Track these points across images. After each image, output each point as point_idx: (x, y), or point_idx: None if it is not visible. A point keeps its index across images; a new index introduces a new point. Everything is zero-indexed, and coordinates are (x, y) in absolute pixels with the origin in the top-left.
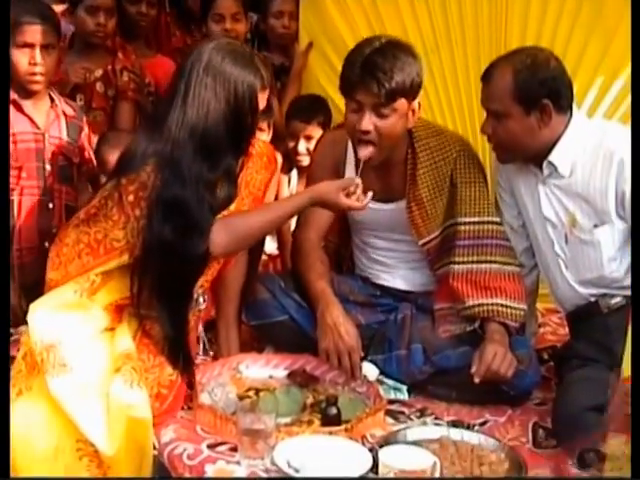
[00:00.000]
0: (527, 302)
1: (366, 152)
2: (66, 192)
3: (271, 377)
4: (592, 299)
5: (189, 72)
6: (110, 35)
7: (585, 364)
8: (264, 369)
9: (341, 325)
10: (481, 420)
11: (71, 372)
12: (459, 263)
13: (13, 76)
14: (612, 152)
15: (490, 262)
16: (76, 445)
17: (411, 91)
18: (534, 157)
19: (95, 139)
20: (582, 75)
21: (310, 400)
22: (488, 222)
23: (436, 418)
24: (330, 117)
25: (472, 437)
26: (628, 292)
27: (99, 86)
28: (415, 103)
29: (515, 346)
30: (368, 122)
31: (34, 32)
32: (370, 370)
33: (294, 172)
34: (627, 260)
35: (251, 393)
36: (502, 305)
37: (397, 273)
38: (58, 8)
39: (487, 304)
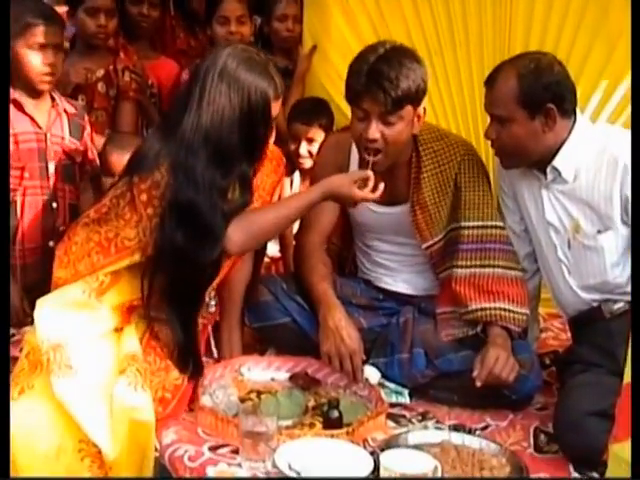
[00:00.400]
0: (529, 307)
1: (373, 159)
2: (69, 191)
3: (273, 380)
4: (595, 304)
5: (204, 76)
6: (111, 36)
7: (587, 369)
8: (266, 372)
9: (343, 328)
10: (482, 424)
11: (76, 374)
12: (462, 267)
13: (22, 76)
14: (616, 157)
15: (493, 266)
16: (78, 445)
17: (417, 97)
18: (538, 162)
19: (97, 139)
20: (586, 79)
21: (312, 403)
22: (491, 226)
23: (437, 422)
24: (332, 120)
25: (473, 441)
26: None
27: (101, 86)
28: (420, 108)
29: (517, 350)
30: (375, 130)
31: (47, 33)
32: (372, 373)
33: (296, 174)
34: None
35: (253, 395)
36: (505, 309)
37: (400, 277)
38: (59, 10)
39: (490, 308)
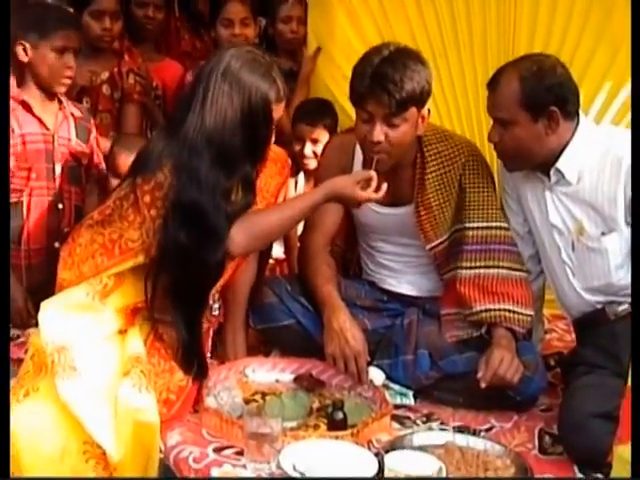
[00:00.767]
0: (534, 308)
1: (377, 157)
2: (75, 193)
3: (277, 381)
4: (599, 306)
5: (208, 77)
6: (116, 39)
7: (592, 371)
8: (270, 373)
9: (348, 330)
10: (487, 426)
11: (80, 376)
12: (466, 268)
13: (41, 77)
14: (620, 159)
15: (497, 267)
16: (83, 447)
17: (421, 99)
18: (541, 164)
19: (102, 141)
20: (590, 80)
21: (316, 404)
22: (496, 227)
23: (442, 423)
24: (336, 121)
25: (478, 443)
26: None
27: (105, 89)
28: (425, 110)
29: (521, 352)
30: (379, 133)
31: (70, 37)
32: (376, 375)
33: (301, 175)
34: None
35: (257, 397)
36: (509, 311)
37: (404, 278)
38: None
39: (494, 309)
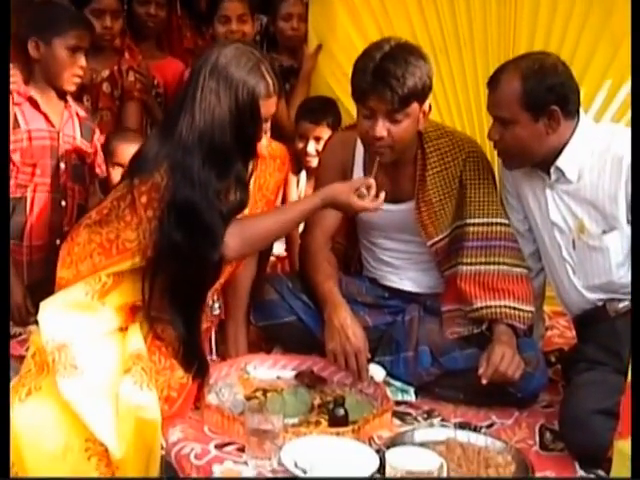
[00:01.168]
0: (534, 305)
1: (380, 154)
2: (78, 191)
3: (279, 378)
4: (599, 304)
5: (197, 75)
6: (117, 37)
7: (593, 367)
8: (272, 370)
9: (348, 327)
10: (488, 422)
11: (82, 374)
12: (467, 264)
13: (53, 75)
14: (621, 157)
15: (498, 263)
16: (85, 444)
17: (423, 94)
18: (541, 162)
19: (102, 139)
20: (590, 79)
21: (317, 401)
22: (497, 224)
23: (443, 420)
24: (339, 119)
25: (479, 439)
26: None
27: (105, 86)
28: (426, 105)
29: (522, 348)
30: (382, 128)
31: (84, 37)
32: (377, 372)
33: (303, 173)
34: None
35: (259, 394)
36: (510, 307)
37: (405, 275)
38: None
39: (495, 306)
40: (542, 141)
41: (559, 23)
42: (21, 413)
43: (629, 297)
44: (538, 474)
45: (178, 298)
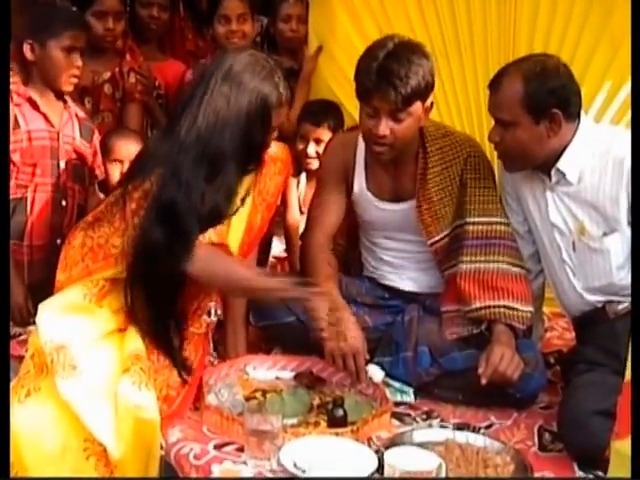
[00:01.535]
0: (534, 306)
1: (381, 152)
2: (78, 191)
3: (278, 378)
4: (599, 305)
5: (208, 80)
6: (118, 38)
7: (592, 369)
8: (271, 371)
9: (347, 328)
10: (487, 423)
11: (81, 374)
12: (467, 262)
13: (50, 76)
14: (622, 159)
15: (498, 262)
16: (83, 444)
17: (425, 92)
18: (542, 164)
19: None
20: (590, 80)
21: (317, 402)
22: (496, 222)
23: (442, 421)
24: (342, 122)
25: (478, 440)
26: None
27: (107, 88)
28: (428, 102)
29: (521, 349)
30: (385, 127)
31: (79, 37)
32: (376, 372)
33: (302, 176)
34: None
35: (258, 394)
36: (509, 307)
37: (405, 274)
38: None
39: (494, 306)
40: (543, 144)
41: (559, 24)
42: (20, 414)
43: (629, 299)
44: (536, 474)
45: (152, 301)
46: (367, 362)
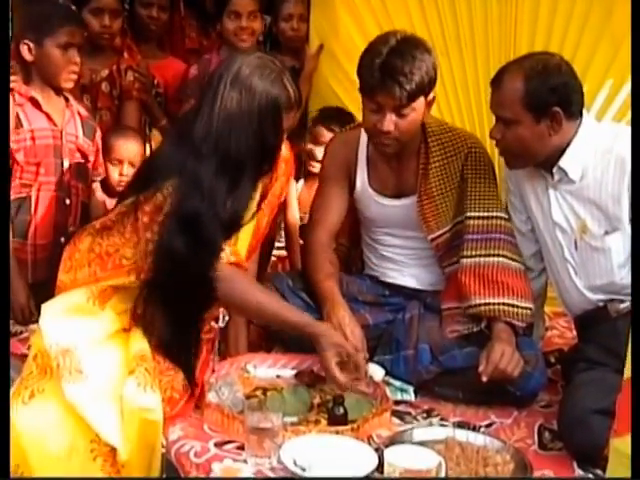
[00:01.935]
0: (535, 305)
1: (385, 146)
2: (82, 189)
3: (279, 377)
4: (601, 304)
5: (217, 83)
6: (116, 36)
7: (592, 367)
8: (272, 369)
9: (347, 326)
10: (487, 422)
11: (87, 378)
12: (467, 257)
13: (48, 74)
14: (624, 158)
15: (498, 256)
16: (90, 445)
17: (428, 87)
18: (544, 162)
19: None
20: (591, 78)
21: (317, 400)
22: (496, 217)
23: (442, 419)
24: None
25: (478, 438)
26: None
27: (104, 86)
28: (431, 96)
29: (522, 347)
30: (389, 123)
31: (75, 34)
32: (376, 371)
33: (300, 181)
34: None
35: (258, 392)
36: (509, 304)
37: (407, 271)
38: None
39: (494, 303)
40: (544, 142)
41: (560, 23)
42: (25, 416)
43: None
44: (536, 473)
45: (172, 316)
46: (368, 360)
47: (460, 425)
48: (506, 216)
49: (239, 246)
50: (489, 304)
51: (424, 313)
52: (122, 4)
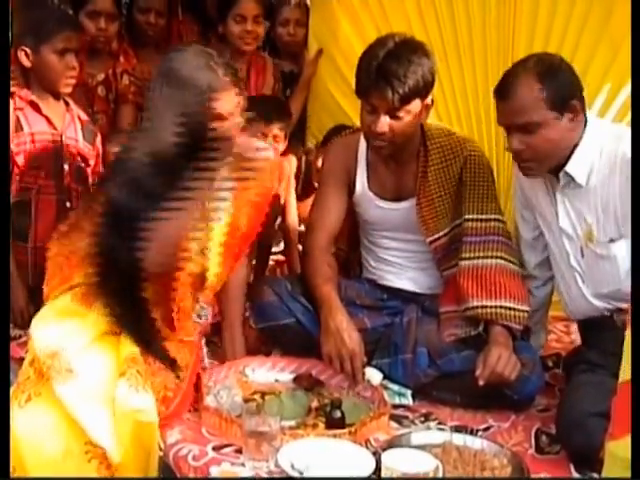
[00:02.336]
0: (539, 314)
1: (381, 147)
2: (82, 192)
3: (277, 381)
4: (607, 313)
5: (154, 84)
6: (112, 40)
7: (593, 369)
8: (270, 373)
9: (344, 330)
10: (484, 425)
11: (77, 377)
12: (465, 259)
13: (46, 79)
14: (629, 159)
15: (495, 257)
16: (85, 447)
17: (425, 90)
18: (553, 167)
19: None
20: (590, 81)
21: (315, 404)
22: (494, 219)
23: (440, 423)
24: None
25: (475, 442)
26: None
27: (100, 90)
28: (428, 99)
29: (519, 351)
30: (383, 124)
31: (71, 38)
32: (374, 375)
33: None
34: None
35: (257, 396)
36: (506, 307)
37: (405, 274)
38: None
39: (491, 306)
40: (568, 137)
41: (558, 27)
42: (21, 419)
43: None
44: (533, 477)
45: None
46: (366, 364)
47: (458, 429)
48: (503, 219)
49: (210, 240)
50: (486, 307)
51: (422, 317)
52: (119, 9)
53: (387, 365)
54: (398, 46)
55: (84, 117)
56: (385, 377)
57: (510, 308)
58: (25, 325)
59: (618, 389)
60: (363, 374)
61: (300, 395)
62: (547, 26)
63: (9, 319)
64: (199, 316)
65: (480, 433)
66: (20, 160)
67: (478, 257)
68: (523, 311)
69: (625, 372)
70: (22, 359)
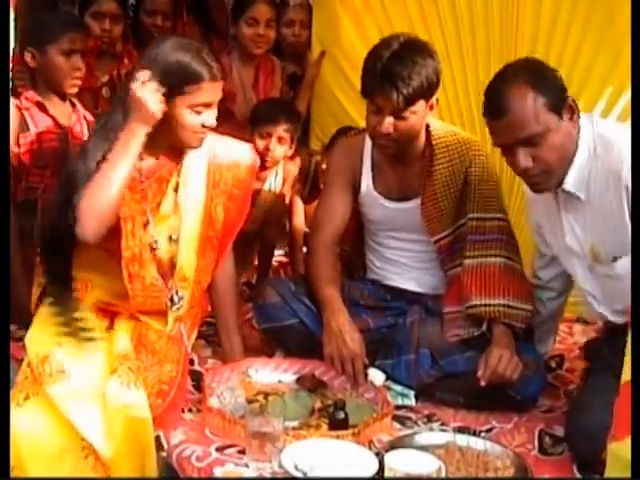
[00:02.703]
0: (549, 324)
1: (386, 147)
2: None
3: (280, 382)
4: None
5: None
6: (116, 41)
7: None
8: (273, 374)
9: (346, 332)
10: (487, 426)
11: (69, 377)
12: (469, 258)
13: (53, 80)
14: (618, 171)
15: (499, 256)
16: (81, 444)
17: (429, 91)
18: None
19: None
20: (591, 86)
21: (318, 404)
22: (498, 219)
23: (443, 424)
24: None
25: (478, 443)
26: None
27: (105, 91)
28: (433, 99)
29: (522, 351)
30: (388, 125)
31: (77, 40)
32: (376, 376)
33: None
34: None
35: (260, 397)
36: (508, 306)
37: (409, 274)
38: None
39: (494, 305)
40: (569, 139)
41: (560, 31)
42: (19, 417)
43: None
44: (536, 478)
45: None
46: (369, 365)
47: (461, 430)
48: (505, 217)
49: (182, 231)
50: (489, 305)
51: (425, 317)
52: (124, 10)
53: (390, 366)
54: (403, 47)
55: (90, 118)
56: (388, 378)
57: (513, 307)
58: (28, 325)
59: (620, 390)
60: (366, 375)
61: (303, 396)
62: (549, 29)
63: (9, 319)
64: (172, 301)
65: (483, 434)
66: (26, 160)
67: (482, 256)
68: (526, 310)
69: (626, 373)
70: (23, 359)
